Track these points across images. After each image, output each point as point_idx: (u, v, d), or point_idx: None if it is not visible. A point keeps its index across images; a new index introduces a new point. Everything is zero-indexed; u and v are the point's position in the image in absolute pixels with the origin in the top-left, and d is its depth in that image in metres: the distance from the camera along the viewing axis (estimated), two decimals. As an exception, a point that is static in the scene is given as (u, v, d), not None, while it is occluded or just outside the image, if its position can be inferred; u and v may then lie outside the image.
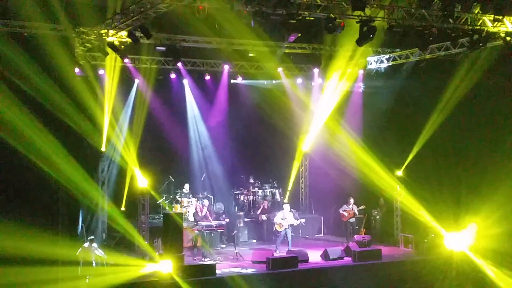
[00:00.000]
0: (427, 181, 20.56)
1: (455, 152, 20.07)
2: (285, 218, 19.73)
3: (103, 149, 21.38)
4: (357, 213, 21.24)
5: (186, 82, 23.64)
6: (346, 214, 21.20)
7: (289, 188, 24.79)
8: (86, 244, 17.81)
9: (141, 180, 20.31)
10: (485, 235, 18.66)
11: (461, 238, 19.15)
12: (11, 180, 16.64)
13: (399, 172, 21.46)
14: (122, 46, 18.21)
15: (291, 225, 19.91)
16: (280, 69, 23.56)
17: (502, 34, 17.17)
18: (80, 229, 19.19)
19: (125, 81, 21.78)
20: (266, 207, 22.48)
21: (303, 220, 20.33)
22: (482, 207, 18.83)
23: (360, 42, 16.19)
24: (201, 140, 24.23)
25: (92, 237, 18.42)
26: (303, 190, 25.93)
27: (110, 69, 20.58)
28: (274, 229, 20.21)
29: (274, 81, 24.78)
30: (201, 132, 24.27)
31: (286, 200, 23.16)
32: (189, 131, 24.08)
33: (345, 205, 21.38)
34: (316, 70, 23.82)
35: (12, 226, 15.42)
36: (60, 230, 17.55)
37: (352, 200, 21.32)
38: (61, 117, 15.58)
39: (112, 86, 20.07)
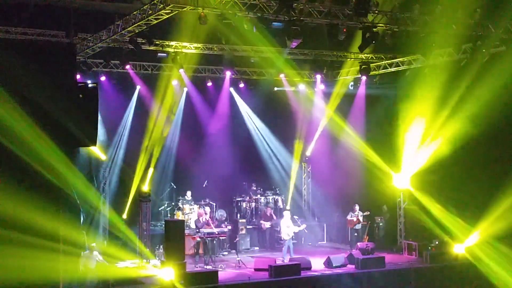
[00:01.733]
0: (432, 189, 20.42)
1: (462, 159, 19.89)
2: (289, 226, 19.62)
3: (103, 157, 21.40)
4: (361, 220, 21.14)
5: (185, 89, 23.55)
6: (354, 220, 21.11)
7: (290, 194, 24.64)
8: (87, 252, 17.75)
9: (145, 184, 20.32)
10: (490, 241, 18.57)
11: (466, 245, 19.06)
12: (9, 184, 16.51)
13: (403, 180, 21.29)
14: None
15: (295, 233, 19.81)
16: (282, 75, 23.52)
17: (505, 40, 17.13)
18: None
19: (127, 87, 21.80)
20: (268, 214, 22.37)
21: (304, 226, 20.16)
22: (487, 212, 18.73)
23: (362, 48, 16.15)
24: (203, 147, 24.13)
25: (93, 244, 18.40)
26: (305, 197, 25.83)
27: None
28: (282, 238, 20.00)
29: (276, 88, 24.75)
30: (203, 139, 24.18)
31: (288, 207, 23.02)
32: (190, 138, 23.98)
33: (351, 212, 21.30)
34: (318, 76, 23.76)
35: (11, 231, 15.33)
36: (61, 238, 17.45)
37: (357, 207, 21.24)
38: (61, 123, 15.44)
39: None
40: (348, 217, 21.35)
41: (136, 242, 19.14)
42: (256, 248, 22.20)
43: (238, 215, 23.11)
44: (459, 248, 19.30)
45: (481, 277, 17.31)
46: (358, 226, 21.25)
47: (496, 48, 17.48)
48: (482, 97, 18.27)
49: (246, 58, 21.57)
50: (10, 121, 15.25)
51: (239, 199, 23.55)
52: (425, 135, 20.53)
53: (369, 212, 21.46)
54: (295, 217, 20.78)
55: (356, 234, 21.25)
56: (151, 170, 21.59)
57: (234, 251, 20.69)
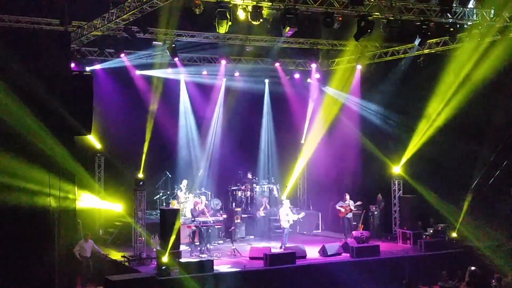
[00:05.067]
0: (425, 178, 20.55)
1: (456, 149, 19.99)
2: (288, 214, 19.73)
3: (98, 146, 21.42)
4: (353, 208, 21.15)
5: (182, 77, 23.46)
6: (342, 210, 21.12)
7: (288, 184, 24.61)
8: (83, 240, 17.78)
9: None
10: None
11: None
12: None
13: (397, 169, 21.36)
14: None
15: (293, 221, 19.97)
16: (277, 64, 23.48)
17: (500, 29, 17.12)
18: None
19: (122, 76, 21.74)
20: (263, 203, 22.42)
21: (302, 215, 20.35)
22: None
23: (357, 36, 16.10)
24: (197, 136, 24.11)
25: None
26: (300, 186, 25.85)
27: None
28: (282, 226, 20.05)
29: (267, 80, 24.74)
30: (198, 128, 24.14)
31: (284, 197, 23.05)
32: (186, 127, 23.93)
33: (341, 201, 21.30)
34: (313, 65, 23.74)
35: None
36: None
37: (348, 196, 21.22)
38: (56, 112, 15.41)
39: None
40: (337, 206, 21.29)
41: (131, 231, 19.11)
42: (251, 237, 22.23)
43: (233, 204, 23.13)
44: (453, 235, 19.51)
45: (476, 263, 17.38)
46: (350, 215, 21.24)
47: (492, 37, 17.47)
48: (470, 86, 18.51)
49: (241, 47, 21.50)
50: (5, 110, 15.23)
51: (234, 188, 23.55)
52: (420, 123, 20.68)
53: (361, 202, 21.46)
54: (291, 206, 20.84)
55: (348, 223, 21.24)
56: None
57: (229, 240, 20.71)
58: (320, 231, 23.94)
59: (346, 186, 22.93)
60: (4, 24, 17.98)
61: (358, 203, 21.35)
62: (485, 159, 19.41)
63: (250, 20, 15.11)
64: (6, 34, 17.88)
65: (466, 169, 19.75)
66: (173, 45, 19.68)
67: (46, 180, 16.86)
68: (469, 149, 19.64)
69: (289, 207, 20.07)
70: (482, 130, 19.51)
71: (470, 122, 19.70)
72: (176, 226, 17.47)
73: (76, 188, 18.60)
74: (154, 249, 18.19)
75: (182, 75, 23.46)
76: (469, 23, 17.01)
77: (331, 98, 23.80)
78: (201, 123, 24.29)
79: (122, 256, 18.30)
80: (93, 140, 21.30)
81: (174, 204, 21.46)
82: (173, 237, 17.20)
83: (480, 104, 19.09)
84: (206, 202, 20.56)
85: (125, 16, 16.38)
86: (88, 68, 20.44)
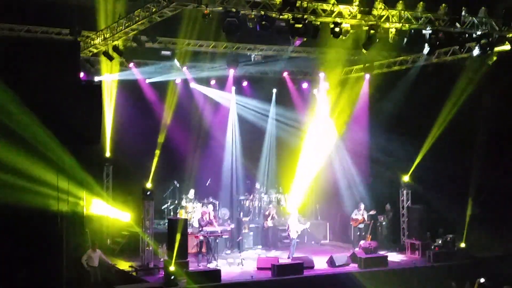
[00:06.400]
0: (434, 187, 20.47)
1: (463, 156, 19.93)
2: (296, 224, 19.72)
3: (107, 154, 21.44)
4: (366, 218, 21.11)
5: (193, 85, 23.52)
6: (359, 218, 21.08)
7: (296, 194, 24.57)
8: (91, 250, 17.78)
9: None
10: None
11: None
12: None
13: (406, 178, 21.29)
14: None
15: (300, 231, 19.99)
16: (285, 74, 23.49)
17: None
18: None
19: (130, 85, 21.79)
20: (271, 213, 22.38)
21: (308, 224, 20.30)
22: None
23: (366, 46, 16.09)
24: (206, 145, 24.11)
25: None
26: (309, 196, 25.73)
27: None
28: (290, 237, 20.01)
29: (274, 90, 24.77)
30: (206, 137, 24.15)
31: (292, 207, 22.97)
32: (195, 136, 23.93)
33: (356, 210, 21.28)
34: (322, 75, 23.72)
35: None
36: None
37: (362, 206, 21.21)
38: (66, 121, 15.49)
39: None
40: (353, 216, 21.31)
41: (143, 235, 19.06)
42: (259, 246, 22.15)
43: (241, 213, 23.06)
44: (462, 245, 19.42)
45: (485, 275, 17.25)
46: (361, 225, 21.21)
47: (501, 47, 17.42)
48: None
49: (249, 56, 21.53)
50: (16, 119, 15.31)
51: (242, 197, 23.50)
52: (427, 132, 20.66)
53: (375, 211, 21.42)
54: (298, 215, 20.81)
55: (358, 233, 21.20)
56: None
57: (237, 249, 20.66)
58: (328, 241, 23.84)
59: (354, 196, 22.84)
60: (14, 34, 18.09)
61: (372, 212, 21.37)
62: (494, 168, 19.36)
63: (258, 29, 15.12)
64: (16, 43, 18.05)
65: (475, 178, 19.69)
66: (182, 54, 19.75)
67: (55, 188, 16.95)
68: (477, 158, 19.61)
69: (297, 217, 20.05)
70: (490, 137, 19.49)
71: (477, 129, 19.69)
72: (184, 236, 17.47)
73: (84, 196, 18.79)
74: (162, 259, 18.17)
75: (193, 84, 23.47)
76: (478, 32, 16.93)
77: (340, 108, 23.73)
78: (210, 132, 24.28)
79: (129, 266, 18.29)
80: (102, 149, 21.31)
81: (182, 214, 21.43)
82: (180, 247, 17.19)
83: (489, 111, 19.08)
84: (214, 211, 20.55)
85: (134, 26, 16.45)
86: (97, 78, 20.50)
